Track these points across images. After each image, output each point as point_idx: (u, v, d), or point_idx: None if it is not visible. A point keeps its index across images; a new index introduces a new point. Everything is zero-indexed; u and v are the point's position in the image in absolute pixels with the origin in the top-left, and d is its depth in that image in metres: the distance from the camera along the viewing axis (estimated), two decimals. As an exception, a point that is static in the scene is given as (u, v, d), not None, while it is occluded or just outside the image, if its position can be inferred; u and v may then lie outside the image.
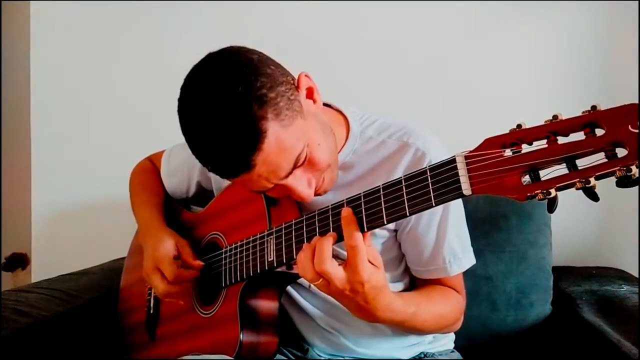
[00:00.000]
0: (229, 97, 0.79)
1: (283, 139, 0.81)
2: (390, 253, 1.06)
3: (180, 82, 1.82)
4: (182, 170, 1.23)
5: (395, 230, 1.05)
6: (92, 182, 1.82)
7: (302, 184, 0.87)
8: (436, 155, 0.97)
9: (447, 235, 1.01)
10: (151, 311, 1.19)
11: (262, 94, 0.80)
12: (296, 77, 0.89)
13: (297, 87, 0.88)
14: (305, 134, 0.85)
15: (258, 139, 0.79)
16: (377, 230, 0.93)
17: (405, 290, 1.08)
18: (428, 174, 0.70)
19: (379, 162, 1.01)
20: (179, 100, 0.88)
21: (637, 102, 0.57)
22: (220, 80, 0.81)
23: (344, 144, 1.03)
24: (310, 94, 0.91)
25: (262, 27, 1.71)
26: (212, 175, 1.18)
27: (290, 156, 0.83)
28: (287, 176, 0.84)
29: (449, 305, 1.02)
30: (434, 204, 0.70)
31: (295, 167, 0.84)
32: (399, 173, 0.98)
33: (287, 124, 0.82)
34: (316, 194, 0.92)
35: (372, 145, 1.03)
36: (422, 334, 1.08)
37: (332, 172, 0.94)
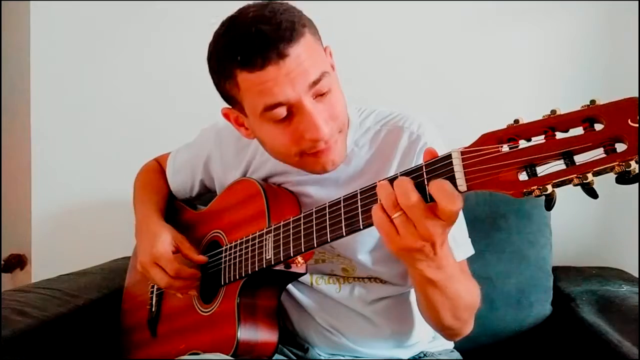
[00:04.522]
0: (285, 5, 0.87)
1: (315, 48, 0.88)
2: None
3: (183, 82, 1.82)
4: (186, 168, 1.24)
5: None
6: (92, 182, 1.82)
7: (321, 116, 0.87)
8: (430, 139, 0.99)
9: None
10: (153, 309, 1.19)
11: (310, 22, 0.89)
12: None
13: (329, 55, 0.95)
14: (331, 71, 0.91)
15: (295, 33, 0.84)
16: None
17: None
18: (424, 169, 0.69)
19: (376, 151, 1.02)
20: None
21: (636, 96, 0.57)
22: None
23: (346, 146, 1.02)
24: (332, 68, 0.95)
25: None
26: (214, 174, 1.19)
27: (318, 64, 0.86)
28: (312, 86, 0.86)
29: (472, 290, 0.94)
30: (428, 200, 0.69)
31: (318, 82, 0.86)
32: (396, 158, 0.99)
33: (319, 44, 0.90)
34: (325, 170, 0.94)
35: (370, 135, 1.04)
36: (445, 317, 0.94)
37: (343, 139, 0.95)
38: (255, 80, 0.84)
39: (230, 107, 0.97)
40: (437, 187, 0.66)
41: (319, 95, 0.88)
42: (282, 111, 0.87)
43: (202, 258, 1.06)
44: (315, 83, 0.86)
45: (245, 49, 0.84)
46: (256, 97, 0.86)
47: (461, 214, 0.99)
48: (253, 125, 0.94)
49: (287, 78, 0.83)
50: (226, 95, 0.93)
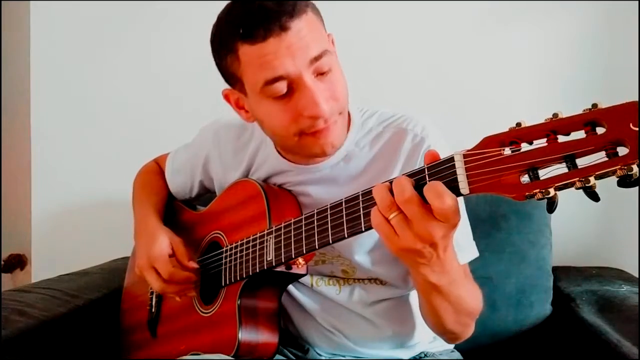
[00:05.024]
0: None
1: (317, 26, 0.88)
2: None
3: (183, 82, 1.82)
4: (185, 169, 1.24)
5: None
6: (92, 182, 1.82)
7: (321, 94, 0.87)
8: (434, 141, 0.99)
9: None
10: (153, 310, 1.19)
11: (312, 4, 0.89)
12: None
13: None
14: (333, 51, 0.91)
15: (298, 8, 0.84)
16: None
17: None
18: (426, 172, 0.69)
19: (378, 152, 1.02)
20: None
21: (637, 100, 0.57)
22: None
23: (346, 135, 1.02)
24: None
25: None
26: (214, 174, 1.19)
27: (319, 41, 0.87)
28: (313, 62, 0.86)
29: (475, 294, 0.94)
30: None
31: (319, 59, 0.86)
32: (400, 160, 0.99)
33: (321, 25, 0.90)
34: (325, 153, 0.94)
35: (372, 136, 1.03)
36: (447, 321, 0.93)
37: (342, 122, 0.95)
38: (256, 53, 0.85)
39: (231, 88, 0.97)
40: (427, 187, 0.66)
41: (320, 74, 0.88)
42: (282, 86, 0.86)
43: (192, 265, 1.06)
44: (316, 59, 0.86)
45: (247, 21, 0.84)
46: (257, 71, 0.86)
47: (465, 216, 1.00)
48: (253, 104, 0.94)
49: (288, 51, 0.84)
50: (227, 73, 0.93)
